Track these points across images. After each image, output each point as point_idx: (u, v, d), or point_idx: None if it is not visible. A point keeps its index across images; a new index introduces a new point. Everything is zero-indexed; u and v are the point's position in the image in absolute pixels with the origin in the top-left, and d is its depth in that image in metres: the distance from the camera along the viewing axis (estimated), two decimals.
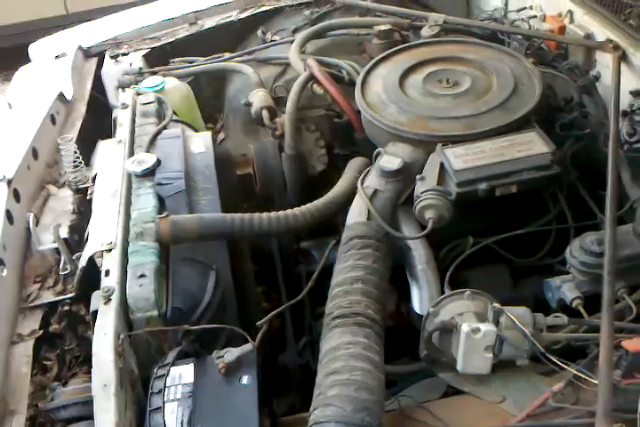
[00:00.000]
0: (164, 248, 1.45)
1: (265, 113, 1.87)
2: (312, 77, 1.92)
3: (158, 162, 1.63)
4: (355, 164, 1.73)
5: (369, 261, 1.34)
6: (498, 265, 1.63)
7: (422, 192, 1.45)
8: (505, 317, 1.11)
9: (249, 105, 1.95)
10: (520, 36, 2.14)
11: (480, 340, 1.09)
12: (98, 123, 2.35)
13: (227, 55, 2.49)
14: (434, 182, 1.47)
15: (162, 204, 1.56)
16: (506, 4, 2.45)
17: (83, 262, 1.44)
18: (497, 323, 1.11)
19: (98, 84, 2.48)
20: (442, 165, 1.51)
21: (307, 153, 1.77)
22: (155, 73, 2.37)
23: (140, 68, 2.35)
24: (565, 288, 1.35)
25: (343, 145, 1.91)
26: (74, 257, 1.55)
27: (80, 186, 1.78)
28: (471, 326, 1.09)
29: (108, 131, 2.39)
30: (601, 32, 1.85)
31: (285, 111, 1.83)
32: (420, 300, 1.53)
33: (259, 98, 1.93)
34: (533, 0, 2.23)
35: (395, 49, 1.92)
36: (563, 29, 2.04)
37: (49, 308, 1.47)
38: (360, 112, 1.78)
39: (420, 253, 1.48)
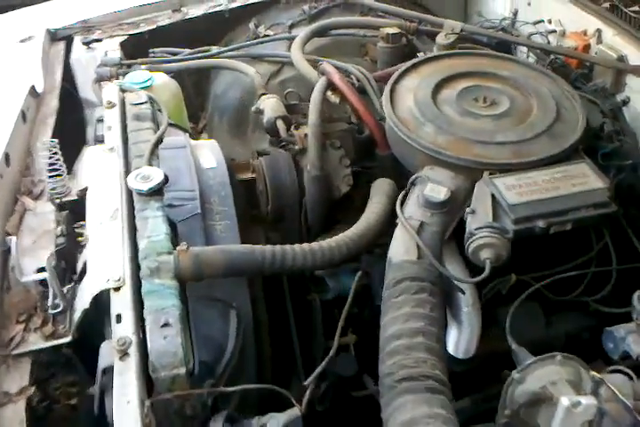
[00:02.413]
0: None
1: (280, 124, 1.66)
2: (330, 84, 1.73)
3: (166, 178, 1.41)
4: (381, 188, 1.57)
5: (426, 309, 1.19)
6: (531, 302, 1.52)
7: (476, 229, 1.30)
8: (605, 388, 0.99)
9: (259, 112, 1.74)
10: (538, 51, 2.05)
11: (580, 414, 0.97)
12: (66, 118, 2.07)
13: (215, 49, 2.26)
14: (487, 217, 1.33)
15: (173, 229, 1.34)
16: (514, 14, 2.34)
17: (84, 303, 1.20)
18: (596, 394, 0.99)
19: (65, 72, 2.19)
20: (492, 197, 1.37)
21: (332, 173, 1.58)
22: (130, 66, 2.11)
23: (120, 59, 2.08)
24: (631, 340, 1.25)
25: (360, 161, 1.74)
26: (64, 290, 1.31)
27: (63, 199, 1.52)
28: (572, 399, 0.97)
29: (78, 128, 2.12)
30: (635, 55, 1.77)
31: (306, 123, 1.63)
32: (456, 342, 1.41)
33: (271, 106, 1.72)
34: (551, 13, 2.13)
35: (420, 59, 1.76)
36: (587, 48, 1.95)
37: (37, 355, 1.23)
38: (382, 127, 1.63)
39: (468, 295, 1.34)
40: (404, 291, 1.22)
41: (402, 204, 1.44)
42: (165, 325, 1.11)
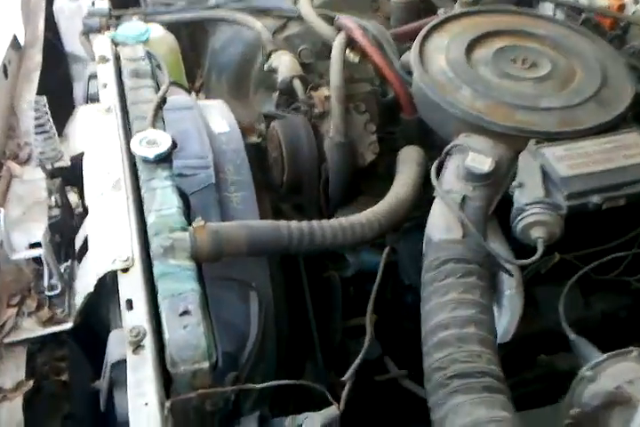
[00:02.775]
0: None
1: (298, 84, 1.50)
2: (350, 41, 1.56)
3: (174, 143, 1.24)
4: (410, 156, 1.43)
5: (476, 295, 1.06)
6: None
7: (527, 204, 1.17)
8: None
9: (272, 71, 1.56)
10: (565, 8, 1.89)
11: None
12: (49, 73, 1.87)
13: (214, 0, 2.06)
14: (538, 192, 1.19)
15: (185, 202, 1.19)
16: None
17: (87, 285, 1.05)
18: None
19: (46, 24, 1.97)
20: (541, 168, 1.24)
21: (356, 139, 1.43)
22: (120, 17, 1.91)
23: (110, 9, 1.87)
24: None
25: (383, 126, 1.58)
26: (62, 268, 1.16)
27: (54, 164, 1.35)
28: None
29: (64, 85, 1.93)
30: None
31: (323, 84, 1.47)
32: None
33: (286, 64, 1.54)
34: None
35: (447, 16, 1.60)
36: (622, 8, 1.80)
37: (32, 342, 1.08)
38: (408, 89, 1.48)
39: (513, 277, 1.22)
40: (449, 274, 1.09)
41: (437, 175, 1.30)
42: (185, 313, 0.97)
